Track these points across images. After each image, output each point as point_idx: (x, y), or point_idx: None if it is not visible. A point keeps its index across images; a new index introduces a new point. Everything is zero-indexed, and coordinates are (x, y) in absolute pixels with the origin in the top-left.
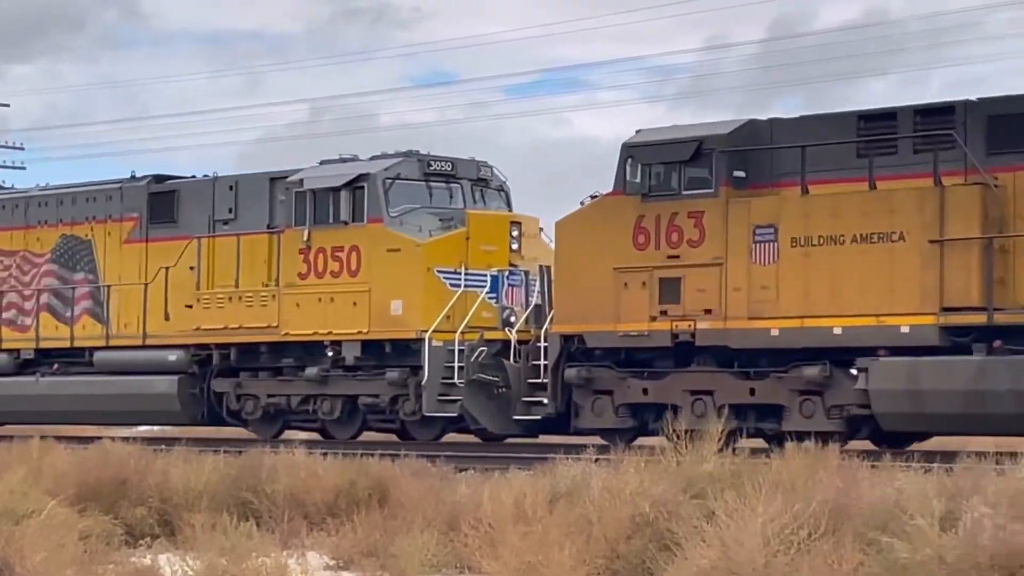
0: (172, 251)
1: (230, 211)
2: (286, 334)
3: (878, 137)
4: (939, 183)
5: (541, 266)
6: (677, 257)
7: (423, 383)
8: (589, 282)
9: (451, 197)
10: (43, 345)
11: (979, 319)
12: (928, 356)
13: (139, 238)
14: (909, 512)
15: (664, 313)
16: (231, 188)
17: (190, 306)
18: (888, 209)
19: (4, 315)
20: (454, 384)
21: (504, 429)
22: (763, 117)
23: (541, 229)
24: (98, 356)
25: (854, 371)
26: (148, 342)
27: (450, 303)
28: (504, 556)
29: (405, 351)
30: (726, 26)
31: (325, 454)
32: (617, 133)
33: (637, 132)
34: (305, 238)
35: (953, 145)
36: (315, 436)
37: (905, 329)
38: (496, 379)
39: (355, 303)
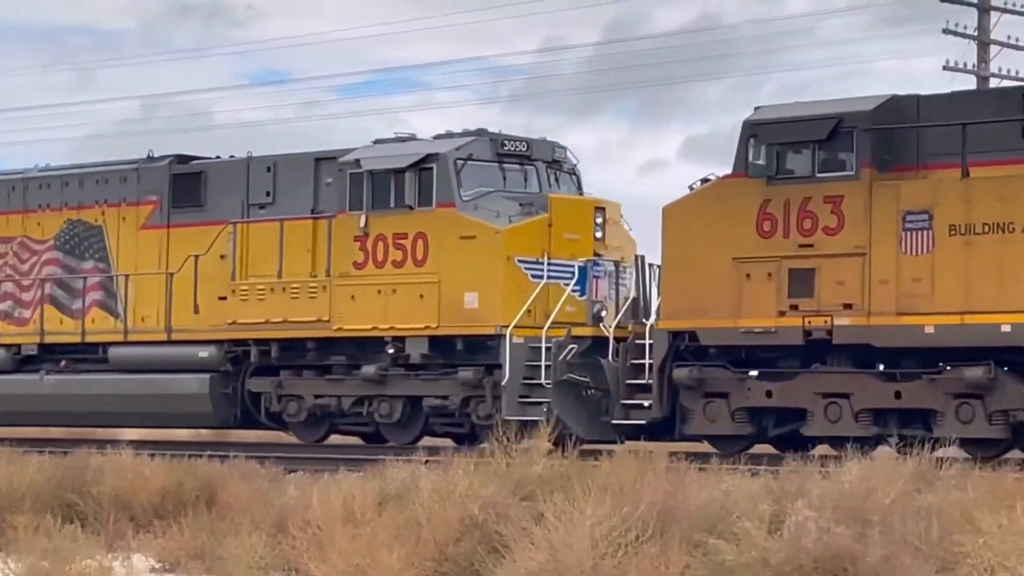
0: (199, 238)
1: (267, 194)
2: (339, 329)
3: None
4: None
5: (637, 255)
6: (810, 246)
7: (503, 384)
8: (704, 273)
9: (526, 180)
10: (48, 340)
11: None
12: None
13: (159, 223)
14: (736, 514)
15: (795, 308)
16: (268, 169)
17: (224, 298)
18: None
19: (0, 307)
20: (537, 385)
21: (596, 434)
22: (906, 93)
23: (622, 216)
24: (114, 352)
25: None
26: (174, 337)
27: (532, 296)
28: (332, 559)
29: (478, 348)
30: (564, 28)
31: (152, 455)
32: (448, 131)
33: (757, 109)
34: (362, 224)
35: None
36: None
37: None
38: (587, 380)
39: (422, 295)
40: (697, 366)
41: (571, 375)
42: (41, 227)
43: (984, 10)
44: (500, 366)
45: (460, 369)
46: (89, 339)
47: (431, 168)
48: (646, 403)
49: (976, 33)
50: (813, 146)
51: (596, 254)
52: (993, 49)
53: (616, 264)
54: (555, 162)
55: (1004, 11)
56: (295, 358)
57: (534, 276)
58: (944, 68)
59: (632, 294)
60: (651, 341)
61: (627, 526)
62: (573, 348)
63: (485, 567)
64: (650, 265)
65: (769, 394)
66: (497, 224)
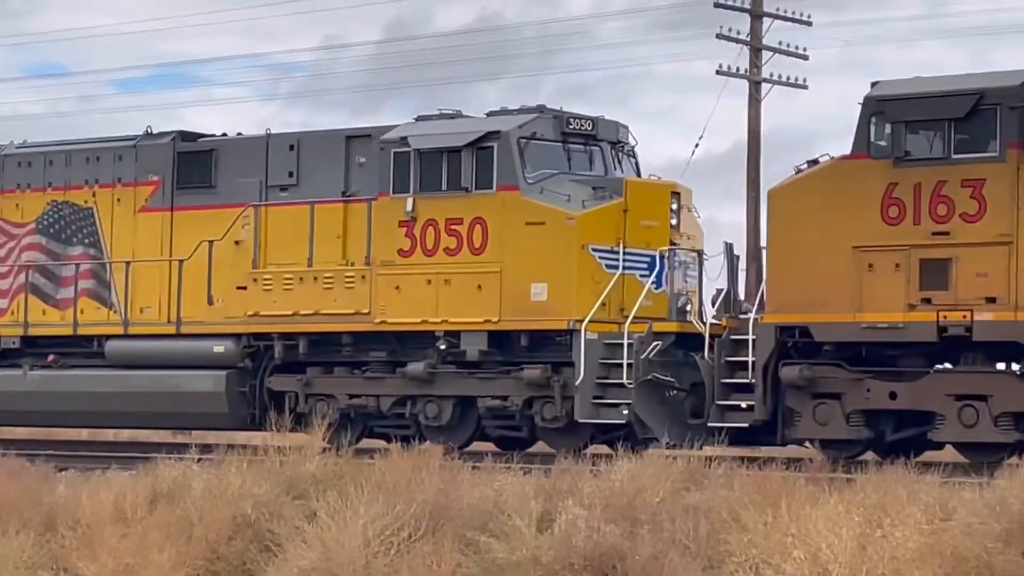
0: (210, 222)
1: (291, 175)
2: (382, 322)
3: None
4: None
5: (727, 243)
6: (946, 234)
7: (577, 383)
8: (817, 263)
9: (591, 162)
10: (32, 332)
11: None
12: None
13: (161, 206)
14: (507, 513)
15: (927, 301)
16: (292, 148)
17: (244, 287)
18: None
19: None
20: (613, 385)
21: (679, 437)
22: None
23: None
24: (113, 346)
25: None
26: (183, 330)
27: (607, 288)
28: (102, 558)
29: (543, 345)
30: (344, 26)
31: None
32: (229, 130)
33: (875, 84)
34: (409, 208)
35: None
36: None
37: None
38: (672, 380)
39: (480, 286)
40: (807, 364)
41: (655, 374)
42: (20, 209)
43: (756, 16)
44: (570, 364)
45: (524, 367)
46: (82, 331)
47: (491, 147)
48: (743, 404)
49: (748, 39)
50: (948, 124)
51: (672, 242)
52: (765, 54)
53: (699, 253)
54: (619, 143)
55: (776, 17)
56: (325, 354)
57: (609, 266)
58: (717, 72)
59: (723, 286)
60: (753, 337)
61: (400, 524)
62: (657, 345)
63: (257, 566)
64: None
65: (893, 395)
66: (570, 209)
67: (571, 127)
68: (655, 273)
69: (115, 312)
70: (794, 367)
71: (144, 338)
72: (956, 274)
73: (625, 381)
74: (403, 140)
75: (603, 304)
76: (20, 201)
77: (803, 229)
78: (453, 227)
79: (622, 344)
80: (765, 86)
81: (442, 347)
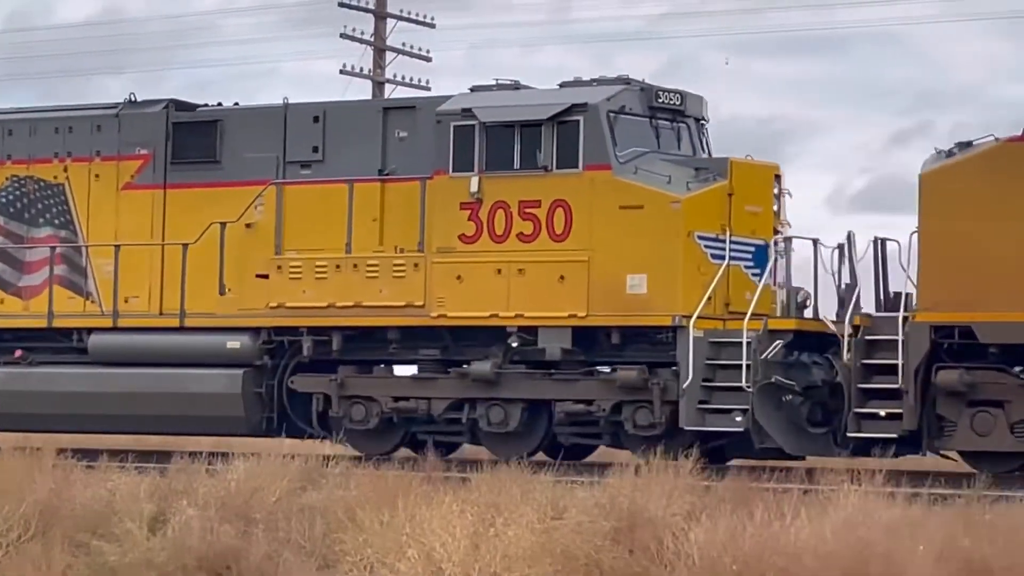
0: (215, 201)
1: (315, 150)
2: (440, 316)
3: None
4: None
5: (850, 232)
6: None
7: (685, 386)
8: (985, 255)
9: (679, 140)
10: (58, 323)
11: None
12: None
13: (150, 183)
14: (119, 514)
15: None
16: (316, 120)
17: (265, 276)
18: None
19: None
20: (720, 389)
21: (804, 449)
22: None
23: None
24: (98, 341)
25: None
26: (188, 323)
27: (714, 281)
28: None
29: (638, 342)
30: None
31: None
32: None
33: None
34: (474, 188)
35: None
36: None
37: None
38: (793, 383)
39: (562, 277)
40: (966, 369)
41: (777, 377)
42: None
43: (380, 17)
44: (664, 364)
45: (618, 368)
46: (58, 323)
47: (577, 121)
48: (882, 412)
49: (372, 39)
50: None
51: (775, 230)
52: (388, 55)
53: (814, 242)
54: (703, 119)
55: (399, 18)
56: (363, 351)
57: (715, 256)
58: (341, 72)
59: (847, 280)
60: (903, 337)
61: (8, 525)
62: (778, 344)
63: None
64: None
65: None
66: (673, 192)
67: (659, 101)
68: (765, 264)
69: (92, 302)
70: (953, 371)
71: (138, 331)
72: None
73: (744, 384)
74: (466, 112)
75: (708, 298)
76: None
77: (964, 217)
78: (528, 210)
79: (731, 343)
80: (388, 87)
81: (514, 344)
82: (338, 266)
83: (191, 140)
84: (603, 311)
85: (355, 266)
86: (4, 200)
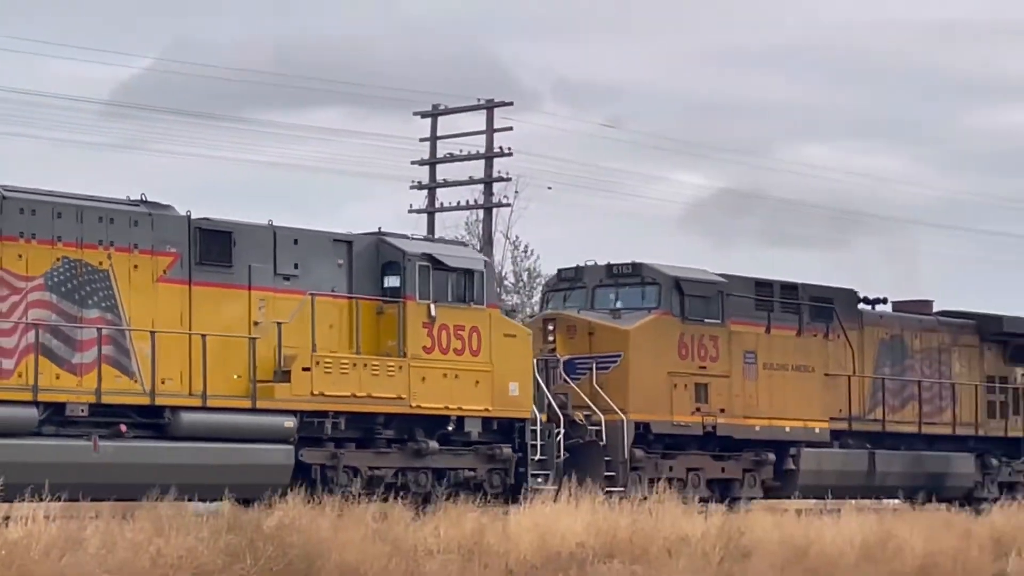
0: (232, 300)
1: (295, 266)
2: (417, 406)
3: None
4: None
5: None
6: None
7: (534, 458)
8: (652, 382)
9: None
10: (46, 398)
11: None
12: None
13: (180, 279)
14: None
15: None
16: (296, 242)
17: (308, 368)
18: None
19: None
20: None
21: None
22: None
23: None
24: (188, 418)
25: None
26: (210, 403)
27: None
28: None
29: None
30: None
31: None
32: None
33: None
34: (433, 313)
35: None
36: None
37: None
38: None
39: (477, 381)
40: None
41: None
42: (25, 261)
43: None
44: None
45: (502, 447)
46: (106, 400)
47: (483, 273)
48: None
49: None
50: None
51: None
52: None
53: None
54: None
55: None
56: (360, 431)
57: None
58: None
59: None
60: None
61: None
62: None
63: None
64: None
65: None
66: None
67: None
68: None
69: (135, 381)
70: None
71: (216, 411)
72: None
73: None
74: (425, 255)
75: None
76: (24, 252)
77: (646, 357)
78: (459, 332)
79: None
80: None
81: (451, 428)
82: (355, 364)
83: (211, 246)
84: (498, 407)
85: (365, 365)
86: (56, 280)
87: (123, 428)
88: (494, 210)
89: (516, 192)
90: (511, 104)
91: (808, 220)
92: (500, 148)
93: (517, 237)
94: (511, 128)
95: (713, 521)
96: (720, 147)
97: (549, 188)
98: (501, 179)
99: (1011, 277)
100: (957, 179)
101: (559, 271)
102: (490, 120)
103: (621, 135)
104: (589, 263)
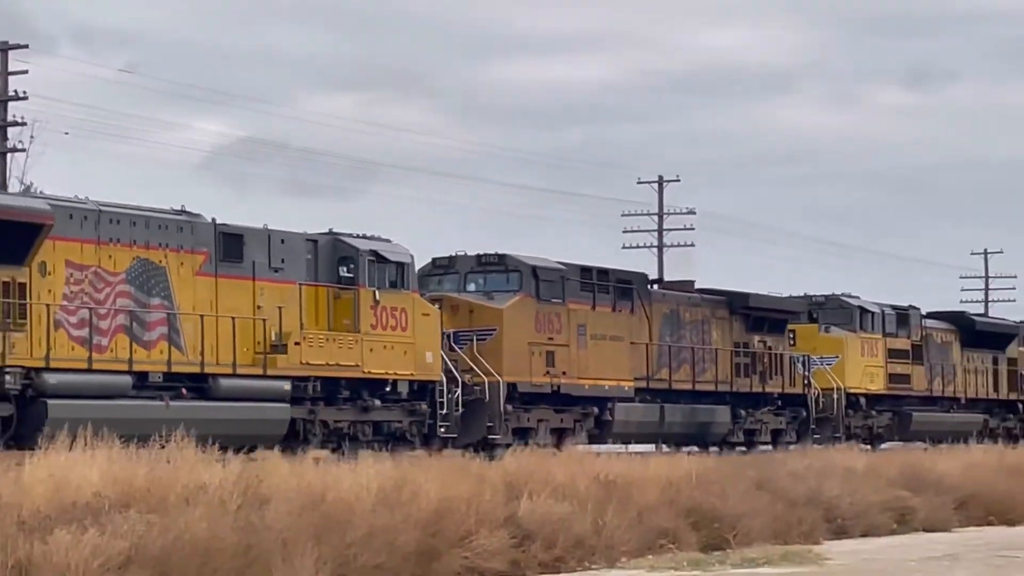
0: (243, 289)
1: (282, 261)
2: (368, 372)
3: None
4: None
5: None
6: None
7: (443, 412)
8: (524, 350)
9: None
10: (175, 369)
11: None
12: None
13: (210, 272)
14: None
15: None
16: (283, 241)
17: (298, 343)
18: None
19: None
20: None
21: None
22: None
23: None
24: (224, 383)
25: None
26: (239, 371)
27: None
28: None
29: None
30: None
31: None
32: None
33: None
34: (378, 297)
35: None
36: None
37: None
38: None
39: (406, 351)
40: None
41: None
42: (113, 260)
43: None
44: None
45: (421, 403)
46: (175, 369)
47: (409, 265)
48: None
49: None
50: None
51: None
52: None
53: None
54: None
55: None
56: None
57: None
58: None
59: None
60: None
61: None
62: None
63: None
64: None
65: None
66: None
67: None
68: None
69: (183, 354)
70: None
71: (240, 377)
72: None
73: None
74: (373, 252)
75: None
76: (112, 253)
77: (516, 330)
78: (394, 312)
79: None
80: None
81: (388, 389)
82: (327, 339)
83: (229, 246)
84: (419, 372)
85: (334, 340)
86: (133, 275)
87: (184, 392)
88: (8, 155)
89: (32, 137)
90: (26, 47)
91: (327, 170)
92: (15, 92)
93: (32, 183)
94: (26, 71)
95: (232, 469)
96: (241, 95)
97: (67, 134)
98: (16, 123)
99: (517, 227)
100: (473, 131)
101: (434, 260)
102: (4, 63)
103: (141, 81)
104: (460, 253)
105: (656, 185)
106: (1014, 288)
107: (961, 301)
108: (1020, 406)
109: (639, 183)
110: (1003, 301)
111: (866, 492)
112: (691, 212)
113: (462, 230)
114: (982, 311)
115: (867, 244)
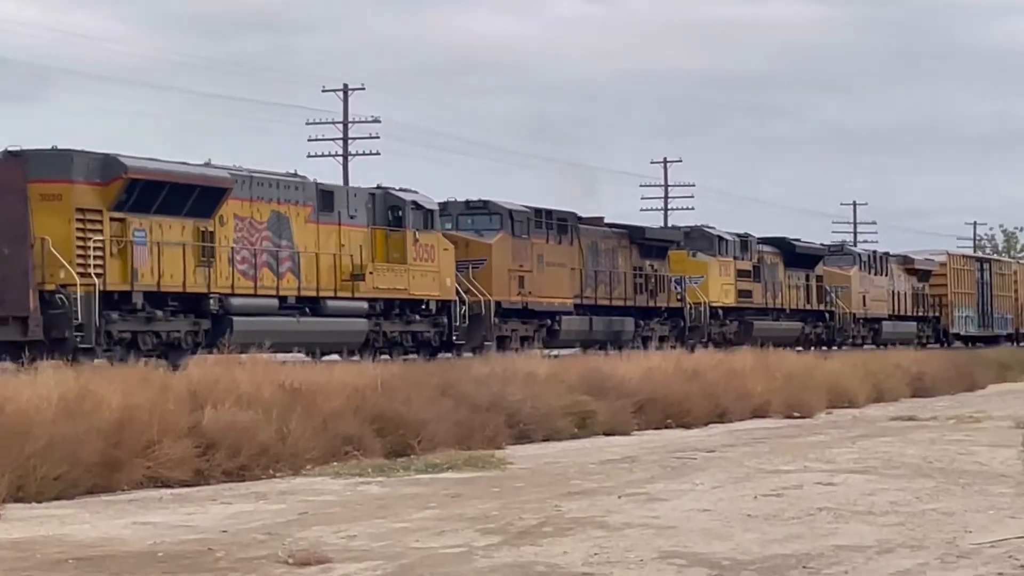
0: (333, 232)
1: (355, 209)
2: (413, 294)
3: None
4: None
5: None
6: None
7: (456, 324)
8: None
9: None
10: (303, 293)
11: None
12: None
13: (314, 220)
14: None
15: None
16: (355, 195)
17: (372, 272)
18: None
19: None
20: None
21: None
22: None
23: None
24: (334, 304)
25: None
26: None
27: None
28: None
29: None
30: None
31: None
32: None
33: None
34: (418, 237)
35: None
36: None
37: None
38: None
39: (434, 277)
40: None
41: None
42: (259, 213)
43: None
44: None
45: (442, 317)
46: (304, 294)
47: (435, 211)
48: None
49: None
50: None
51: None
52: None
53: None
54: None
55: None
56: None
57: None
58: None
59: None
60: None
61: None
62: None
63: None
64: None
65: None
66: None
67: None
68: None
69: (299, 282)
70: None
71: (338, 299)
72: None
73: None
74: (414, 202)
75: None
76: (259, 208)
77: (501, 259)
78: (425, 247)
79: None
80: None
81: (423, 306)
82: (387, 269)
83: (324, 200)
84: (443, 294)
85: (390, 269)
86: (271, 224)
87: (308, 311)
88: None
89: None
90: None
91: (2, 75)
92: None
93: None
94: None
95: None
96: None
97: None
98: None
99: (208, 138)
100: (157, 38)
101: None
102: None
103: None
104: (451, 200)
105: (341, 94)
106: (692, 196)
107: (641, 210)
108: (826, 315)
109: (324, 91)
110: (681, 209)
111: (548, 397)
112: (376, 121)
113: (151, 139)
114: (662, 220)
115: (551, 154)
